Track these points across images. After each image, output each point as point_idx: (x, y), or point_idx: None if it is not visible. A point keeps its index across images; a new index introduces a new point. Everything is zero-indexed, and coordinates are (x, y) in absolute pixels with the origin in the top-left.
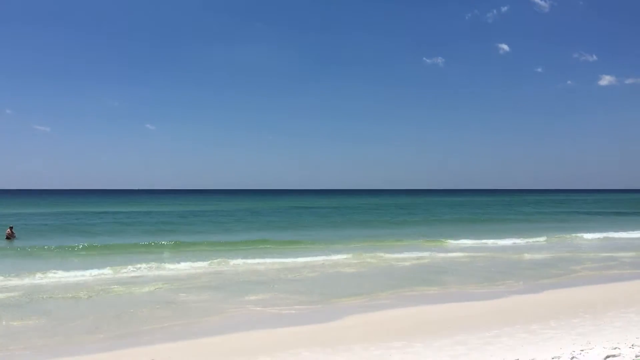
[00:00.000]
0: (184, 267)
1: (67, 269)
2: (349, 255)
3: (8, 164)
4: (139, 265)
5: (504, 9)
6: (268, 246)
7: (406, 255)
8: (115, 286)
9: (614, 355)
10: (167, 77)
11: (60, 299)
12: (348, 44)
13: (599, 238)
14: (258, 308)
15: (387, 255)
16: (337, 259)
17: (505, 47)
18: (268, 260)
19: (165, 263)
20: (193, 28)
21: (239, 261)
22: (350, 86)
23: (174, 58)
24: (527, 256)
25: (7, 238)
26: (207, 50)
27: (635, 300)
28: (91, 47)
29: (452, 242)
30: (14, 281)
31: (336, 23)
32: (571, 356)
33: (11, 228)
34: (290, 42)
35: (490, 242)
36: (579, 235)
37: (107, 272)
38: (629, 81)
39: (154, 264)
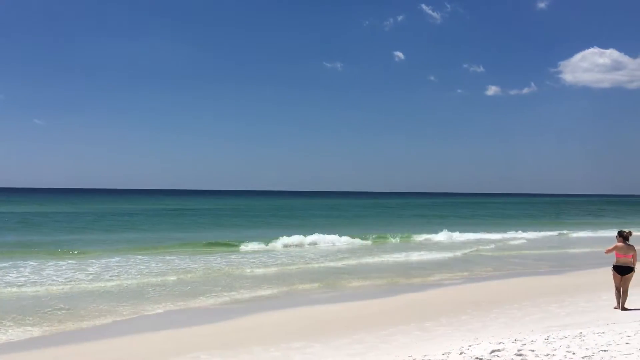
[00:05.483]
0: None
1: None
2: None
3: None
4: None
5: (400, 18)
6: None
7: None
8: None
9: (498, 350)
10: (58, 71)
11: None
12: (251, 42)
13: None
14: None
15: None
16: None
17: (400, 54)
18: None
19: None
20: (89, 19)
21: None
22: (250, 86)
23: (64, 51)
24: (415, 256)
25: None
26: (102, 44)
27: (517, 297)
28: None
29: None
30: None
31: (237, 20)
32: (460, 352)
33: None
34: (188, 37)
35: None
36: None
37: None
38: (512, 92)
39: None
